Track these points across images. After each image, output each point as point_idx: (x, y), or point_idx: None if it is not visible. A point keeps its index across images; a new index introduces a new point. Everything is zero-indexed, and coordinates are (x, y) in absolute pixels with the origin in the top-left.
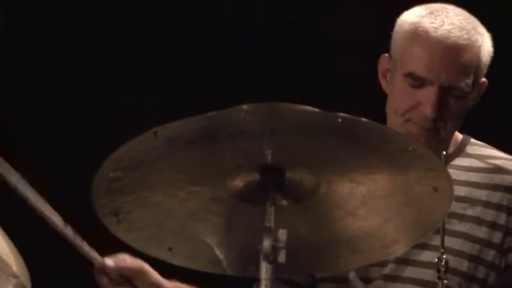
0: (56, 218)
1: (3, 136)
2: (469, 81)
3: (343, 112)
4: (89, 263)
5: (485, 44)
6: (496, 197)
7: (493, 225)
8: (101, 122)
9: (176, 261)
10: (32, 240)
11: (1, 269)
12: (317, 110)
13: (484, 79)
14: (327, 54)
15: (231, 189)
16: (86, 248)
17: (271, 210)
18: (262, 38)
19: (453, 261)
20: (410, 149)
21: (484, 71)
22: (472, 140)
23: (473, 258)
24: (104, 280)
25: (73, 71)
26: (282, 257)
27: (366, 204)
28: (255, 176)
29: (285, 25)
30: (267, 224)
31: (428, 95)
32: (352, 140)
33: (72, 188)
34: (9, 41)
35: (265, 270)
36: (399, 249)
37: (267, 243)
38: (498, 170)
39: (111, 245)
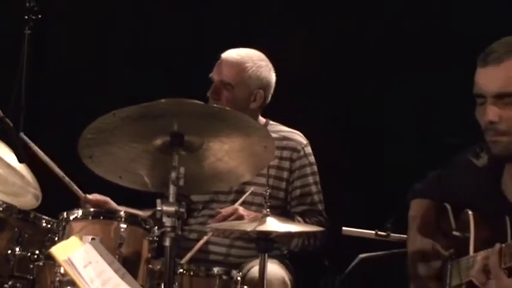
0: (56, 169)
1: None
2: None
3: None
4: (75, 197)
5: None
6: (285, 153)
7: (282, 169)
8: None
9: (124, 183)
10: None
11: (26, 183)
12: (203, 103)
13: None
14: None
15: (155, 145)
16: (75, 187)
17: (176, 158)
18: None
19: (263, 190)
20: (252, 125)
21: (250, 84)
22: (271, 121)
23: (274, 188)
24: (86, 206)
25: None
26: (181, 182)
27: (228, 154)
28: (168, 139)
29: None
30: (174, 164)
31: None
32: (222, 119)
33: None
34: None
35: (172, 189)
36: (244, 180)
37: (173, 175)
38: (285, 138)
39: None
